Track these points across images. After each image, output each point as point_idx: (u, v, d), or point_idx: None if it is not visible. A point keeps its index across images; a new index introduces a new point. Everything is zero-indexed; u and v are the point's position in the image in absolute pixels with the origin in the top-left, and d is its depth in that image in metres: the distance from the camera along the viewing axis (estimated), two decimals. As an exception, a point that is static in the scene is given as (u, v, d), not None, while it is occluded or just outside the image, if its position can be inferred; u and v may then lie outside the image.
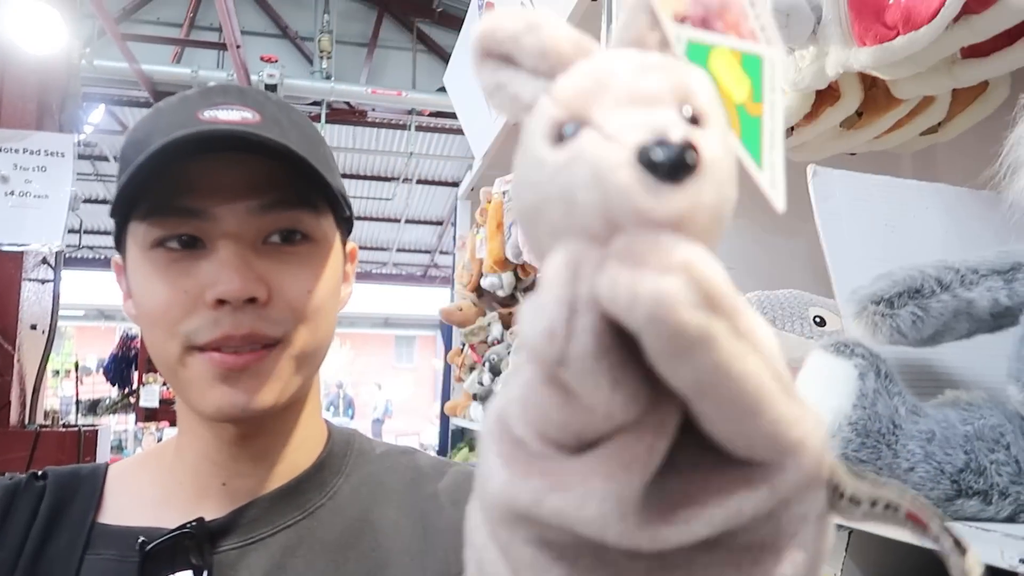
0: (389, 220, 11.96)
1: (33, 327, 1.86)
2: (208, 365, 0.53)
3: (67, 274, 2.14)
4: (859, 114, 1.00)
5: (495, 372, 2.22)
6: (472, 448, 2.70)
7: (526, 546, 0.22)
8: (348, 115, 8.36)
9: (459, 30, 2.71)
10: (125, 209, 0.55)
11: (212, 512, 0.57)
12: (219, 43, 6.75)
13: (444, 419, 3.01)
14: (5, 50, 1.91)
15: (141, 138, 0.55)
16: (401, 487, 0.65)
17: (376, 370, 18.33)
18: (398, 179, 10.21)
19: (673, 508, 0.21)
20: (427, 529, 0.62)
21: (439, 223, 12.34)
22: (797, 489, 0.22)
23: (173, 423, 4.83)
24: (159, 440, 4.84)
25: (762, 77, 0.27)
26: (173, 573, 0.53)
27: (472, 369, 2.58)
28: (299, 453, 0.63)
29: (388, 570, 0.59)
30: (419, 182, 10.49)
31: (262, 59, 7.12)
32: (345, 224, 0.64)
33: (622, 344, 0.21)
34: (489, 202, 2.45)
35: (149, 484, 0.62)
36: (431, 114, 8.43)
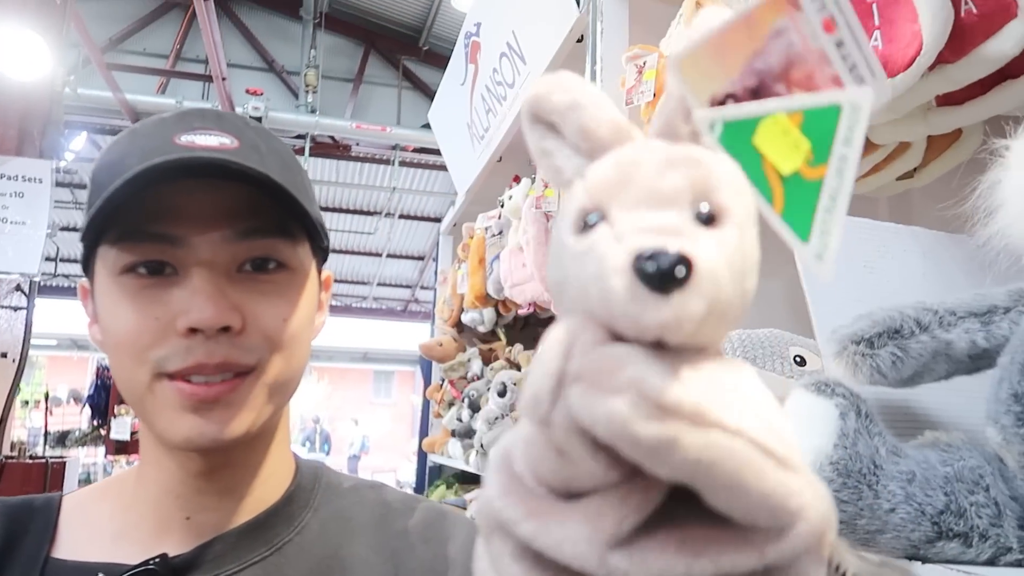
0: (370, 254, 11.94)
1: (3, 355, 1.82)
2: (177, 395, 0.52)
3: (41, 302, 2.11)
4: (837, 158, 1.02)
5: (474, 408, 2.20)
6: (449, 486, 2.66)
7: (514, 562, 0.24)
8: (332, 149, 8.39)
9: (444, 68, 2.75)
10: (96, 233, 0.53)
11: (175, 547, 0.55)
12: (205, 75, 6.78)
13: (421, 455, 2.97)
14: (-12, 76, 1.91)
15: (115, 160, 0.54)
16: (371, 523, 0.64)
17: (353, 405, 18.13)
18: (380, 213, 10.22)
19: (663, 550, 0.23)
20: (398, 568, 0.61)
21: (420, 258, 12.34)
22: (793, 557, 0.22)
23: (144, 456, 4.70)
24: (129, 473, 4.69)
25: (838, 127, 0.26)
26: None
27: (451, 405, 2.55)
28: (267, 487, 0.61)
29: None
30: (401, 217, 10.51)
31: (247, 92, 7.15)
32: (321, 253, 0.63)
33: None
34: (471, 237, 2.46)
35: (108, 517, 0.59)
36: (415, 150, 8.49)
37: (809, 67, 0.27)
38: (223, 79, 5.96)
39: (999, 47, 0.72)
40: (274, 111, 7.23)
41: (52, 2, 2.05)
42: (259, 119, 6.55)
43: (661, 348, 0.23)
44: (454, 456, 2.36)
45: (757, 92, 0.28)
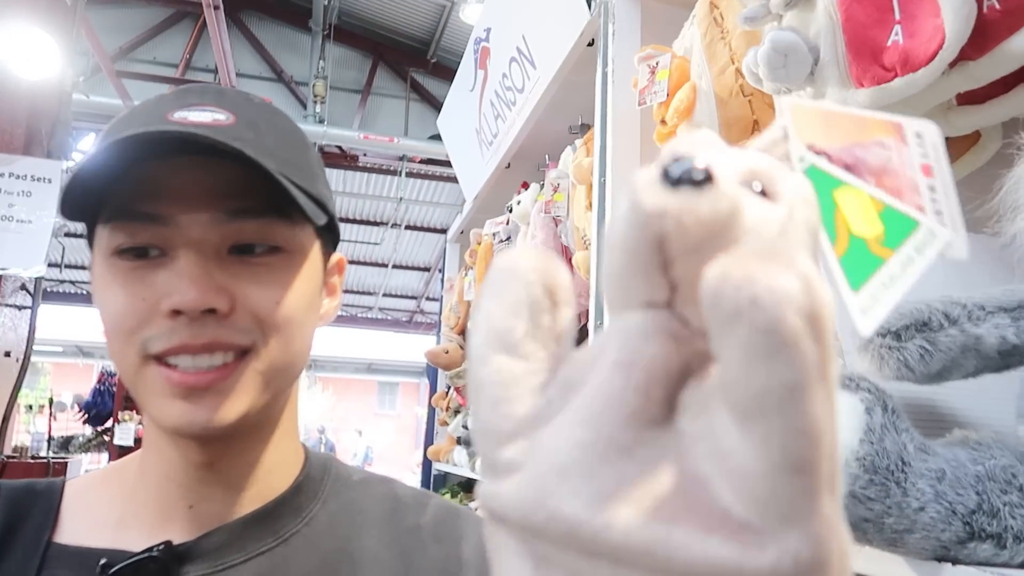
0: (377, 264, 11.95)
1: (7, 354, 1.81)
2: (165, 381, 0.51)
3: (47, 308, 2.11)
4: (854, 159, 1.00)
5: (480, 416, 2.18)
6: (454, 494, 2.64)
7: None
8: (339, 159, 8.42)
9: (452, 80, 2.75)
10: (90, 212, 0.52)
11: (178, 535, 0.54)
12: (214, 84, 6.80)
13: (426, 463, 2.95)
14: (-2, 76, 1.91)
15: (109, 134, 0.53)
16: (381, 517, 0.62)
17: (358, 416, 18.11)
18: (387, 224, 10.23)
19: (643, 509, 0.20)
20: (408, 564, 0.59)
21: (426, 269, 12.35)
22: None
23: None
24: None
25: (907, 241, 0.28)
26: None
27: (457, 412, 2.54)
28: (273, 477, 0.59)
29: None
30: (408, 227, 10.52)
31: (256, 101, 7.17)
32: (328, 233, 0.61)
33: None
34: (479, 243, 2.45)
35: (110, 503, 0.58)
36: (422, 161, 8.50)
37: (900, 184, 0.30)
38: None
39: (1023, 44, 0.71)
40: (282, 120, 7.26)
41: (62, 2, 2.05)
42: (267, 128, 6.57)
43: None
44: (459, 464, 2.34)
45: (848, 167, 0.29)
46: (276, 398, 0.56)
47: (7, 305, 1.80)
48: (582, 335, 1.48)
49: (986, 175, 0.69)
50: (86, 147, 6.96)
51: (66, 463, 1.94)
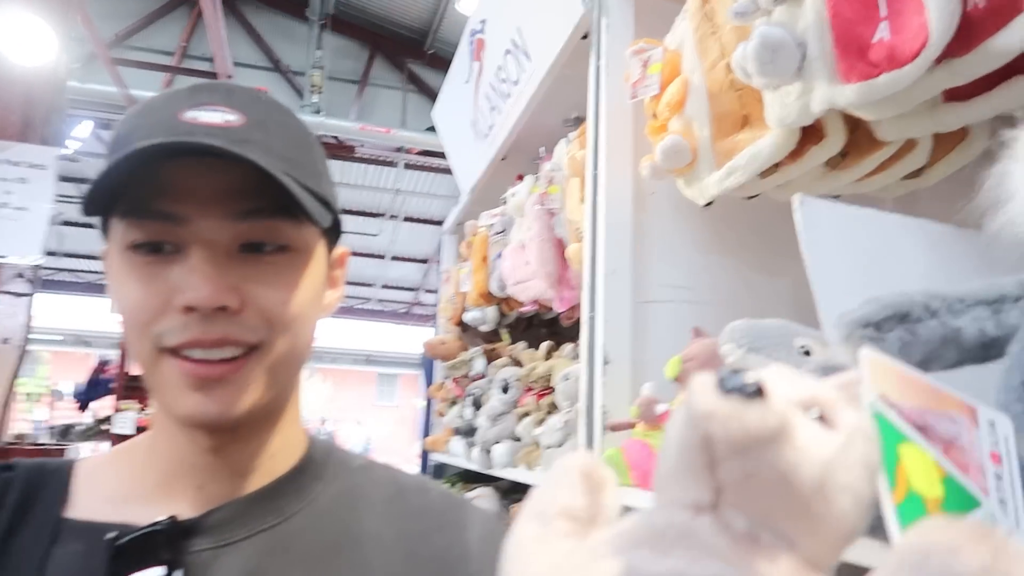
0: (374, 256, 11.95)
1: (5, 341, 1.82)
2: (180, 373, 0.53)
3: (46, 297, 2.12)
4: (843, 155, 1.01)
5: (477, 406, 2.19)
6: (452, 484, 2.65)
7: None
8: (336, 149, 8.40)
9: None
10: (105, 205, 0.54)
11: (185, 512, 0.56)
12: (210, 72, 6.78)
13: (424, 454, 2.96)
14: (-6, 64, 1.91)
15: (124, 134, 0.55)
16: (383, 500, 0.64)
17: (357, 407, 18.13)
18: (385, 215, 10.23)
19: None
20: (410, 552, 0.61)
21: (424, 261, 12.35)
22: None
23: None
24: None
25: (970, 512, 0.30)
26: (143, 569, 0.51)
27: (454, 403, 2.55)
28: (277, 460, 0.61)
29: None
30: (406, 219, 10.52)
31: (254, 91, 7.15)
32: (332, 230, 0.63)
33: None
34: (475, 235, 2.45)
35: (118, 481, 0.60)
36: (419, 152, 8.49)
37: (968, 461, 0.31)
38: (228, 77, 5.97)
39: (1007, 41, 0.72)
40: (280, 111, 7.23)
41: (58, -10, 2.07)
42: (265, 118, 6.55)
43: None
44: (456, 454, 2.35)
45: (917, 427, 0.31)
46: (282, 388, 0.59)
47: (5, 292, 1.81)
48: (575, 328, 1.49)
49: (974, 171, 0.70)
50: (81, 134, 6.94)
51: (63, 450, 1.95)
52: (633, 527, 0.27)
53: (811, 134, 0.97)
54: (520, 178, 2.08)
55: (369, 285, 13.80)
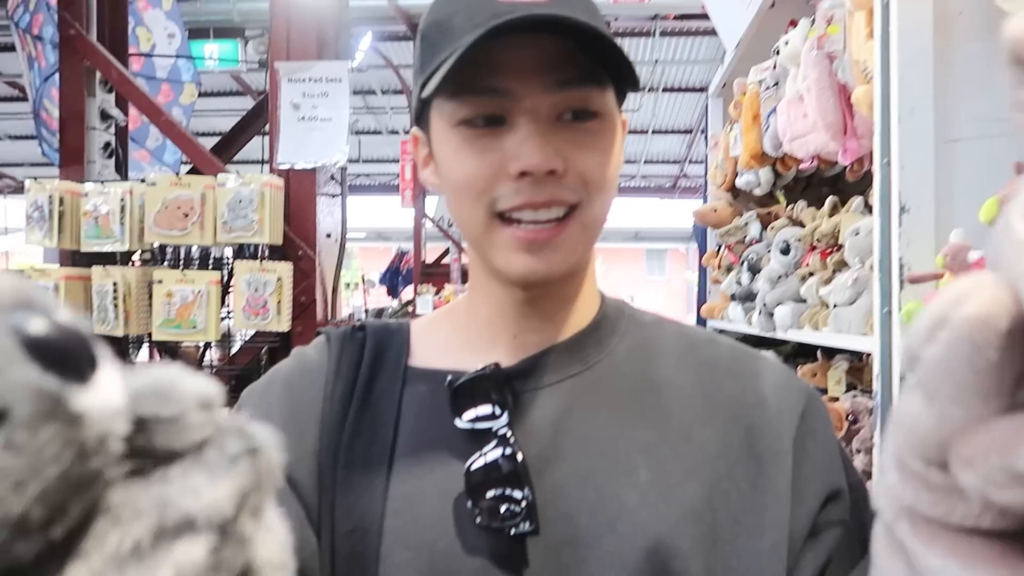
0: (636, 132, 11.79)
1: (328, 236, 2.12)
2: (511, 238, 0.59)
3: (350, 199, 2.39)
4: None
5: (754, 271, 2.14)
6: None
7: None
8: (591, 26, 8.26)
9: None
10: (431, 89, 0.59)
11: (503, 359, 0.63)
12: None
13: (700, 322, 2.97)
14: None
15: (442, 20, 0.60)
16: (675, 352, 0.67)
17: (627, 284, 18.49)
18: (644, 89, 9.98)
19: None
20: (707, 398, 0.63)
21: (688, 131, 11.93)
22: None
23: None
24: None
25: None
26: (476, 407, 0.59)
27: (729, 270, 2.51)
28: (579, 313, 0.67)
29: (669, 424, 0.61)
30: (665, 90, 10.17)
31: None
32: (620, 97, 0.65)
33: (974, 370, 0.20)
34: (744, 94, 2.32)
35: (447, 336, 0.69)
36: (676, 17, 8.06)
37: None
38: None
39: None
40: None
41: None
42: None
43: None
44: (735, 319, 2.33)
45: None
46: (589, 247, 0.64)
47: (323, 195, 2.10)
48: (862, 183, 1.37)
49: None
50: (364, 46, 7.56)
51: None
52: None
53: None
54: (793, 24, 1.91)
55: (632, 162, 13.71)
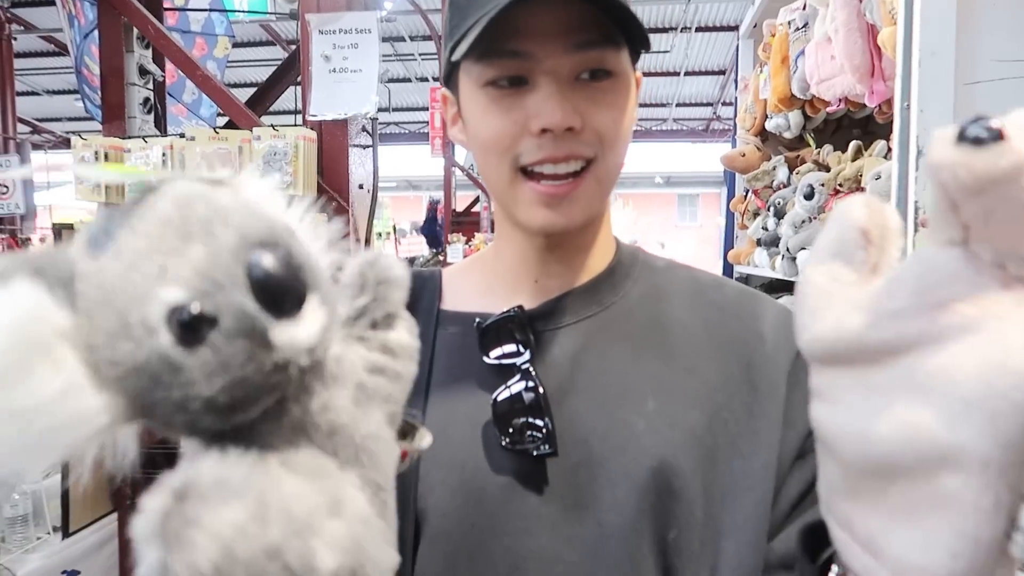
0: (667, 74, 11.56)
1: (360, 187, 2.17)
2: (533, 193, 0.64)
3: (380, 149, 2.43)
4: None
5: (780, 216, 2.15)
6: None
7: None
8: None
9: None
10: (460, 53, 0.64)
11: (527, 303, 0.69)
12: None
13: (727, 267, 2.99)
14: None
15: None
16: (685, 295, 0.72)
17: (658, 230, 18.36)
18: (676, 28, 9.74)
19: None
20: (711, 335, 0.69)
21: (721, 72, 11.67)
22: None
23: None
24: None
25: None
26: (502, 345, 0.66)
27: (756, 215, 2.52)
28: (595, 259, 0.73)
29: (676, 360, 0.67)
30: (698, 30, 9.92)
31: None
32: (635, 56, 0.69)
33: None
34: (773, 35, 2.29)
35: (475, 281, 0.76)
36: (709, -48, 7.82)
37: None
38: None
39: None
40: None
41: None
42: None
43: None
44: (760, 265, 2.35)
45: None
46: (604, 199, 0.69)
47: (354, 146, 2.14)
48: (892, 125, 1.37)
49: None
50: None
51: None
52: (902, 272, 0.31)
53: None
54: (822, -38, 1.88)
55: (664, 105, 13.47)
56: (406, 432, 0.43)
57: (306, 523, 0.28)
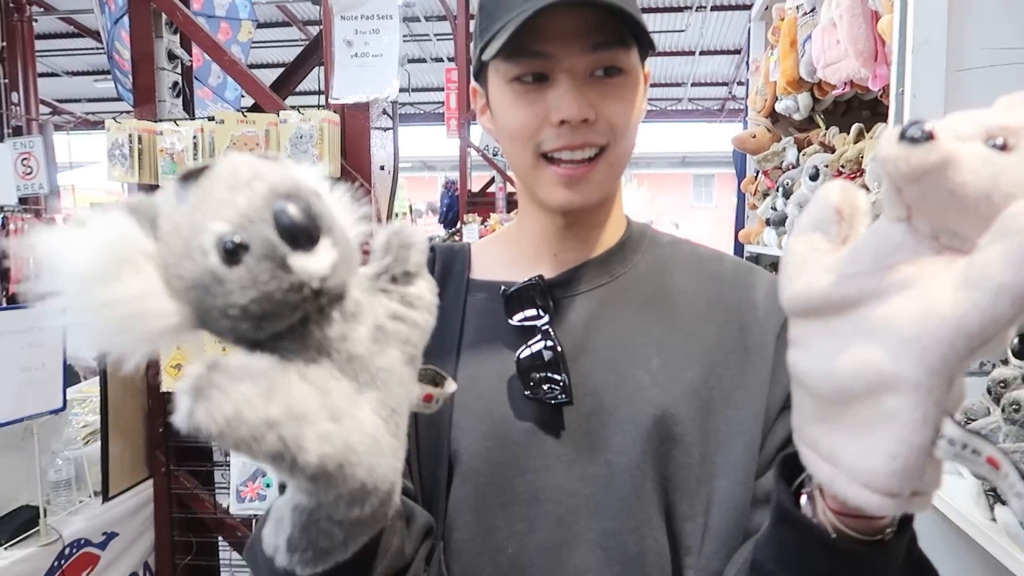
0: (682, 53, 11.51)
1: (381, 168, 2.25)
2: (554, 175, 0.73)
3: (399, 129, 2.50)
4: None
5: (788, 196, 2.21)
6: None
7: None
8: (637, -56, 8.02)
9: None
10: (491, 54, 0.72)
11: (547, 273, 0.79)
12: None
13: (738, 246, 3.06)
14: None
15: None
16: (687, 267, 0.82)
17: (674, 209, 18.32)
18: (691, 8, 9.71)
19: None
20: (710, 303, 0.78)
21: (737, 51, 11.60)
22: None
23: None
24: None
25: None
26: (525, 310, 0.75)
27: (766, 196, 2.57)
28: (608, 235, 0.82)
29: (677, 324, 0.76)
30: (714, 8, 9.88)
31: None
32: (643, 54, 0.78)
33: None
34: (783, 19, 2.34)
35: (500, 254, 0.85)
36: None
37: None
38: None
39: None
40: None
41: None
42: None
43: None
44: (769, 244, 2.42)
45: None
46: (615, 182, 0.78)
47: (375, 128, 2.22)
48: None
49: None
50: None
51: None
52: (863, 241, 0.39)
53: None
54: (830, -52, 1.93)
55: (679, 84, 13.41)
56: (437, 381, 0.52)
57: (303, 415, 0.38)
